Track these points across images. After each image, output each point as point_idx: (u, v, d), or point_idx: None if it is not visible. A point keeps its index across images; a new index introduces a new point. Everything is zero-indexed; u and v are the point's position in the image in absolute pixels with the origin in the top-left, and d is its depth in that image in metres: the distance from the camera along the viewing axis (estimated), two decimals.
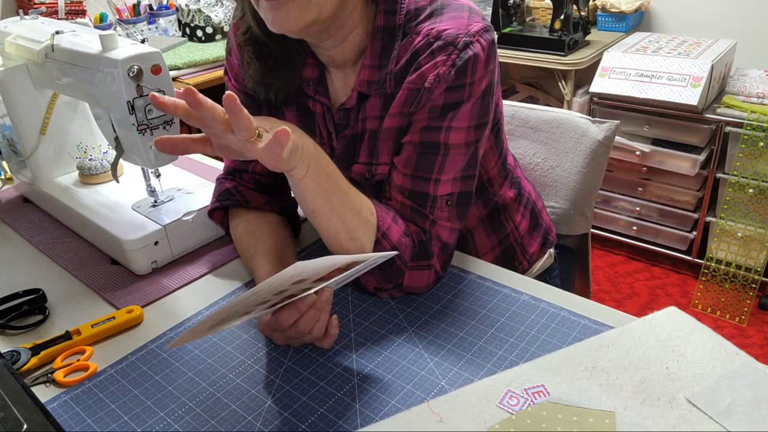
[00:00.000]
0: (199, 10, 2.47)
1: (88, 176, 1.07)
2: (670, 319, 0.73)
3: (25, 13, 1.08)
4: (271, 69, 0.85)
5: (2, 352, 0.71)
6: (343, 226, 0.76)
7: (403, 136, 0.82)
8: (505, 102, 1.16)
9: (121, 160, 0.91)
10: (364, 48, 0.82)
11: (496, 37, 0.80)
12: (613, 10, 2.34)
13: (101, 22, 2.36)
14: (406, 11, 0.80)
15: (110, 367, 0.74)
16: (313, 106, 0.88)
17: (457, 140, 0.79)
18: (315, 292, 0.70)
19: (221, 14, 2.49)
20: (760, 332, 1.98)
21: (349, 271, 0.69)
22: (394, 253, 0.75)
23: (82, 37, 0.89)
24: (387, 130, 0.82)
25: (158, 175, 0.95)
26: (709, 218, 2.10)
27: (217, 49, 2.32)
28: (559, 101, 2.43)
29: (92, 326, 0.79)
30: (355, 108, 0.83)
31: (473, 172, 0.83)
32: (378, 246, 0.78)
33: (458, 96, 0.77)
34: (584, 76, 2.26)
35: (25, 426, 0.47)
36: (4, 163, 1.21)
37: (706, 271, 2.12)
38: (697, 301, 2.11)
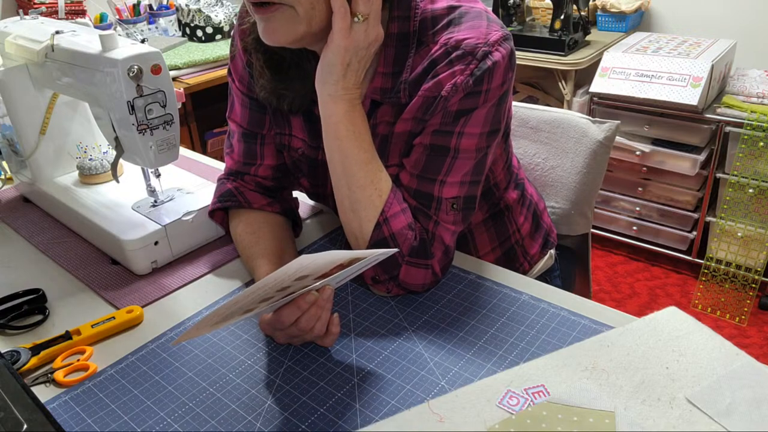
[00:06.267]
0: (199, 10, 2.47)
1: (88, 176, 1.07)
2: (671, 319, 0.73)
3: (25, 13, 1.08)
4: (284, 79, 0.84)
5: (2, 352, 0.71)
6: (348, 193, 0.78)
7: (414, 139, 0.81)
8: None
9: (121, 160, 0.91)
10: (377, 55, 0.80)
11: (513, 45, 0.78)
12: (613, 10, 2.34)
13: (101, 22, 2.36)
14: (421, 18, 0.79)
15: (110, 367, 0.74)
16: None
17: (468, 146, 0.79)
18: (316, 290, 0.70)
19: (221, 14, 2.49)
20: (760, 332, 1.98)
21: (350, 268, 0.69)
22: (395, 250, 0.74)
23: (82, 37, 0.89)
24: (399, 135, 0.82)
25: (158, 175, 0.95)
26: (709, 218, 2.10)
27: (217, 49, 2.32)
28: (559, 101, 2.43)
29: (92, 326, 0.79)
30: (367, 115, 0.82)
31: (480, 178, 0.83)
32: (377, 230, 0.78)
33: (473, 102, 0.76)
34: (584, 76, 2.26)
35: (25, 426, 0.47)
36: (4, 163, 1.21)
37: (706, 271, 2.12)
38: (697, 301, 2.11)
